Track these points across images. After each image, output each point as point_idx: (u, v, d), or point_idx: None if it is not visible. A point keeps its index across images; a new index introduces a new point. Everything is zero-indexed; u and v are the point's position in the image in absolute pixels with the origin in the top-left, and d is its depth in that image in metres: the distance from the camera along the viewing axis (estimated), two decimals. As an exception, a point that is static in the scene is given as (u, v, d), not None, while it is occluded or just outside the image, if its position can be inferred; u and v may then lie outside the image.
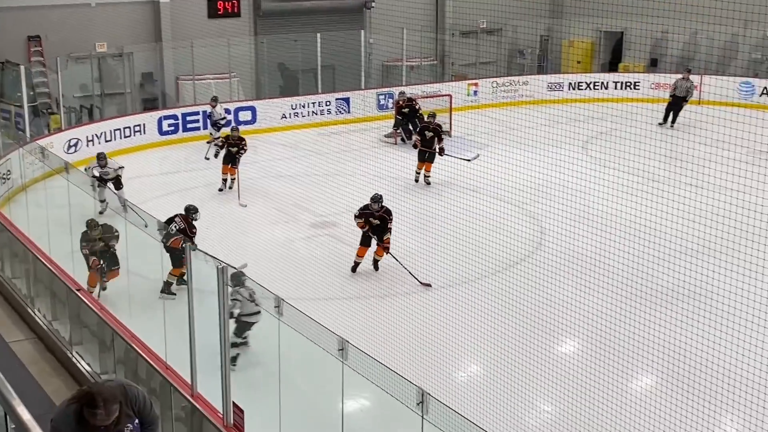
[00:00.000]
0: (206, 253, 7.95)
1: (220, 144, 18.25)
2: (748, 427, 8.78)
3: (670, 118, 22.17)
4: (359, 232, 13.85)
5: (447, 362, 10.27)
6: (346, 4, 26.16)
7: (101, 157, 15.64)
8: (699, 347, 9.63)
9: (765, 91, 24.37)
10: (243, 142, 17.45)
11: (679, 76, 22.56)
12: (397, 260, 12.65)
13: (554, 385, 9.59)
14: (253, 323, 9.45)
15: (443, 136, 18.06)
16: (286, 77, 25.73)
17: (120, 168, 15.80)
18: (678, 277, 11.67)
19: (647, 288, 11.83)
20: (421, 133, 17.75)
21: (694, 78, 22.64)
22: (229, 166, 17.39)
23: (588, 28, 24.99)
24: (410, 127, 21.12)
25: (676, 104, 22.16)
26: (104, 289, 11.21)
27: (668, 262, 12.07)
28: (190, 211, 12.31)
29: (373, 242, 12.91)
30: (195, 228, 12.26)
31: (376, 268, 13.10)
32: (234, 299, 9.26)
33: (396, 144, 21.24)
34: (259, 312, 9.11)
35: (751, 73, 23.77)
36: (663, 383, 9.80)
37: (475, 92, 25.37)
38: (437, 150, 17.41)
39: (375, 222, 12.70)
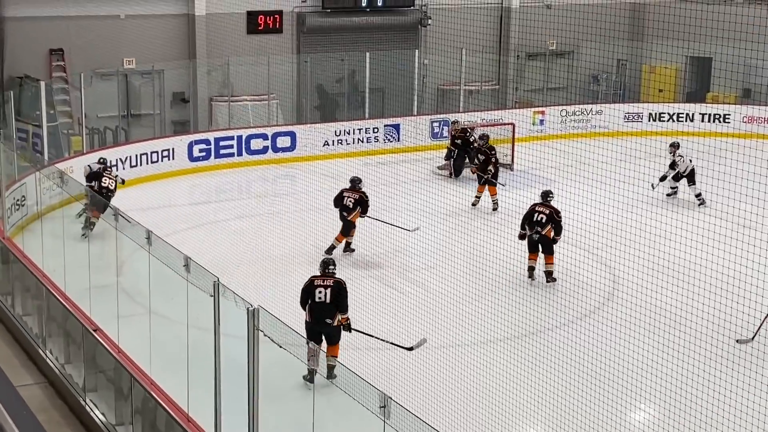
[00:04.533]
0: (236, 294, 7.98)
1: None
2: None
3: None
4: (406, 275, 13.87)
5: (504, 426, 10.15)
6: (399, 20, 26.39)
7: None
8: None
9: None
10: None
11: None
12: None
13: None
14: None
15: (499, 166, 19.03)
16: (331, 100, 25.96)
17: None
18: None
19: (737, 351, 11.60)
20: (474, 159, 18.75)
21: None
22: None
23: (672, 53, 24.82)
24: (462, 161, 21.13)
25: None
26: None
27: (759, 320, 11.82)
28: (356, 182, 15.85)
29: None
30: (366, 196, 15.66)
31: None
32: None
33: (451, 177, 21.24)
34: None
35: None
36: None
37: (542, 121, 25.30)
38: (490, 172, 18.41)
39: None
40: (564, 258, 14.84)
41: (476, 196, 18.81)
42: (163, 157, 21.24)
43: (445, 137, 23.40)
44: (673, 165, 19.63)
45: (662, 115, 25.67)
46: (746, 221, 15.60)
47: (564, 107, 25.83)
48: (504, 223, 16.63)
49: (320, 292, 11.05)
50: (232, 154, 22.17)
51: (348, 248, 15.82)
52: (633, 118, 25.79)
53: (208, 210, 18.91)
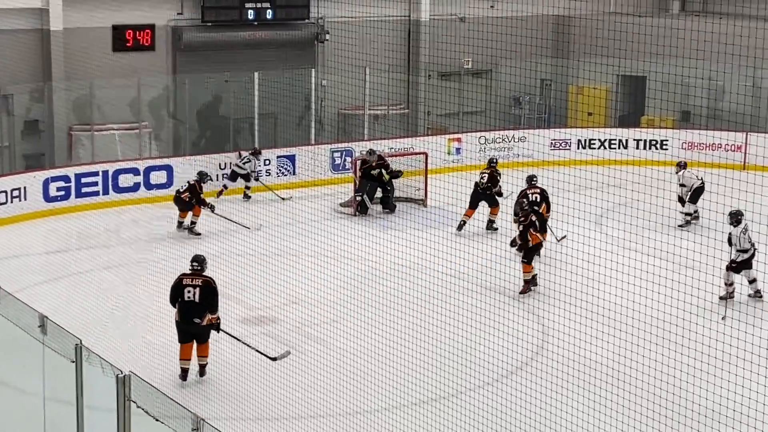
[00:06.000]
0: (102, 358, 7.86)
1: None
2: None
3: None
4: (305, 330, 13.82)
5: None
6: (292, 36, 26.47)
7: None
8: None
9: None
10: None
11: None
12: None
13: None
14: None
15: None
16: (214, 128, 25.83)
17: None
18: (721, 393, 11.70)
19: (680, 408, 11.84)
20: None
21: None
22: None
23: (602, 71, 25.46)
24: (374, 194, 21.40)
25: None
26: None
27: (708, 374, 12.11)
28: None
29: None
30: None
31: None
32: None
33: (356, 215, 21.30)
34: None
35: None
36: None
37: (458, 150, 25.62)
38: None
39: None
40: (487, 308, 14.98)
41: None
42: (13, 197, 20.81)
43: (348, 169, 23.48)
44: (682, 186, 20.81)
45: (592, 141, 26.22)
46: (688, 261, 16.02)
47: (483, 134, 26.18)
48: (417, 267, 16.74)
49: (189, 292, 12.81)
50: (96, 193, 21.85)
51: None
52: (560, 145, 26.30)
53: (69, 259, 18.54)
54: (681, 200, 20.93)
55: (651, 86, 27.29)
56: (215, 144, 25.43)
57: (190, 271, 13.15)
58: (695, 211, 20.74)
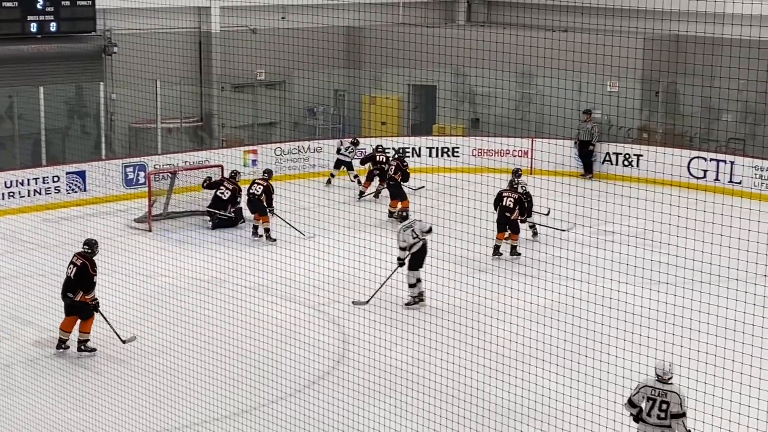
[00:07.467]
0: None
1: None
2: None
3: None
4: (99, 351, 13.57)
5: None
6: (78, 49, 25.84)
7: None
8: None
9: (608, 158, 26.13)
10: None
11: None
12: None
13: None
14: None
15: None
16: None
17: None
18: (516, 392, 12.10)
19: (477, 408, 12.16)
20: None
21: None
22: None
23: (393, 81, 25.98)
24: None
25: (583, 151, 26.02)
26: None
27: (503, 373, 12.49)
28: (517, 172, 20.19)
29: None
30: None
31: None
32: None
33: (150, 231, 21.00)
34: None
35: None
36: None
37: (254, 162, 25.57)
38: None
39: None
40: (288, 319, 15.03)
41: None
42: None
43: (142, 183, 23.14)
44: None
45: (387, 150, 26.68)
46: (480, 264, 16.54)
47: (278, 145, 26.25)
48: (216, 282, 16.65)
49: (69, 268, 14.22)
50: None
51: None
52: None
53: None
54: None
55: (441, 95, 28.02)
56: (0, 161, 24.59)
57: (81, 251, 14.35)
58: (532, 225, 19.95)
